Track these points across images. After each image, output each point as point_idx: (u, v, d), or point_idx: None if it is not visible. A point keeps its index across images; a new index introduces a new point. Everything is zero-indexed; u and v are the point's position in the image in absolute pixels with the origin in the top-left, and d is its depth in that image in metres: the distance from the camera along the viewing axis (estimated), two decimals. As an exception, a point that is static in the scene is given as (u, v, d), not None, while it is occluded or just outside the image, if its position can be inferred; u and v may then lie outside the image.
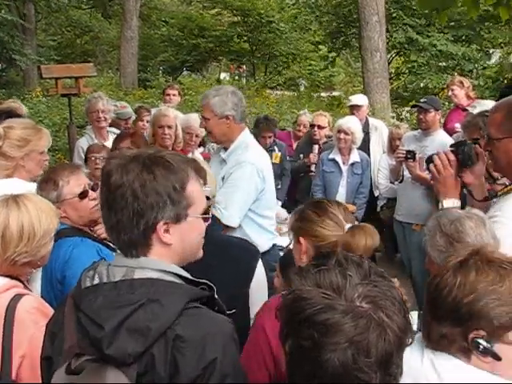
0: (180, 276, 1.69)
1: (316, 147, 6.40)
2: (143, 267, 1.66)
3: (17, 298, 2.10)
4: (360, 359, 1.19)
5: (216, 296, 1.72)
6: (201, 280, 1.71)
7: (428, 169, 2.80)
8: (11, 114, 4.49)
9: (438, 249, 2.24)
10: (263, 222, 3.81)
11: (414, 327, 2.17)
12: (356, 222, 5.64)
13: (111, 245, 2.94)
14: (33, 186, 3.14)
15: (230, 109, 3.75)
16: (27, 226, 2.19)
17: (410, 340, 1.30)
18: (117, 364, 1.52)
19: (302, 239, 2.29)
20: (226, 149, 3.89)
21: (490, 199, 2.66)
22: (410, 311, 2.43)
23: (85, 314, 1.58)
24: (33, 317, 2.09)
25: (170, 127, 5.16)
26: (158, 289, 1.60)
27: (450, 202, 2.62)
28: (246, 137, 3.89)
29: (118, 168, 1.64)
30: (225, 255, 2.71)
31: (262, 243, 3.62)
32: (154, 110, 6.98)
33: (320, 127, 6.51)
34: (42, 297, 2.90)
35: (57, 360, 1.64)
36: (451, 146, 2.80)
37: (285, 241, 3.85)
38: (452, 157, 2.68)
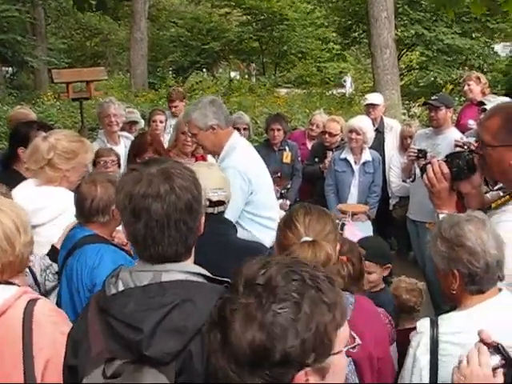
0: (203, 276, 1.75)
1: (330, 154, 6.33)
2: (169, 270, 1.70)
3: (31, 303, 2.09)
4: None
5: None
6: (223, 279, 1.75)
7: (422, 177, 2.71)
8: (40, 124, 4.50)
9: (440, 254, 2.24)
10: (263, 221, 3.83)
11: (427, 333, 2.18)
12: (368, 221, 5.68)
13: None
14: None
15: (211, 119, 3.79)
16: (17, 219, 2.20)
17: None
18: (154, 364, 1.56)
19: (275, 244, 2.39)
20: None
21: (484, 211, 2.55)
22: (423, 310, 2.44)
23: (116, 319, 1.61)
24: (52, 319, 2.09)
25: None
26: (188, 289, 1.65)
27: (446, 215, 2.54)
28: (233, 140, 3.90)
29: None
30: (241, 262, 2.72)
31: (266, 240, 3.64)
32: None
33: (331, 135, 6.35)
34: (59, 307, 2.94)
35: (82, 368, 1.66)
36: (446, 156, 2.71)
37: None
38: (445, 169, 2.60)
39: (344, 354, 1.40)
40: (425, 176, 2.66)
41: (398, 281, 3.95)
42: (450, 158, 2.65)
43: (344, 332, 1.37)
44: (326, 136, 6.38)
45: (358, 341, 1.51)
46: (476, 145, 2.64)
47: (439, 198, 2.63)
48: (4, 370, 2.00)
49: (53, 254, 3.22)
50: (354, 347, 1.49)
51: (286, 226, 2.30)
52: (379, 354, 2.32)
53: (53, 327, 2.07)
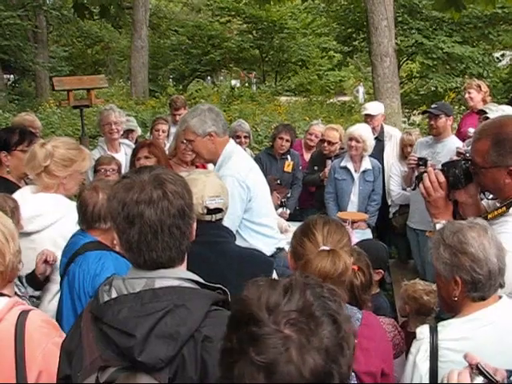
0: (196, 282, 1.76)
1: (329, 162, 6.31)
2: (162, 277, 1.72)
3: (23, 314, 2.09)
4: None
5: (230, 299, 1.79)
6: (215, 285, 1.79)
7: (418, 187, 2.69)
8: (24, 128, 4.52)
9: (443, 261, 2.23)
10: (261, 229, 3.83)
11: (427, 340, 2.19)
12: (368, 230, 5.68)
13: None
14: (74, 204, 3.20)
15: (210, 125, 3.78)
16: (4, 228, 2.20)
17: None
18: (148, 370, 1.57)
19: (288, 253, 2.39)
20: (215, 165, 3.94)
21: None
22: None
23: (110, 326, 1.62)
24: (44, 330, 2.09)
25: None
26: (182, 295, 1.66)
27: (442, 224, 2.53)
28: (230, 148, 3.90)
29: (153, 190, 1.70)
30: (242, 269, 2.76)
31: (264, 249, 3.65)
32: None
33: (330, 143, 6.35)
34: (60, 313, 2.94)
35: (76, 377, 1.67)
36: (443, 165, 2.70)
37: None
38: (442, 178, 2.59)
39: None
40: (421, 185, 2.65)
41: (413, 284, 3.93)
42: (447, 167, 2.64)
43: None
44: (325, 144, 6.38)
45: None
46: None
47: (436, 207, 2.62)
48: None
49: (31, 279, 3.18)
50: None
51: (304, 234, 2.30)
52: (384, 370, 2.32)
53: (45, 339, 2.06)
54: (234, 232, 3.54)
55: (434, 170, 2.66)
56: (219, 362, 1.31)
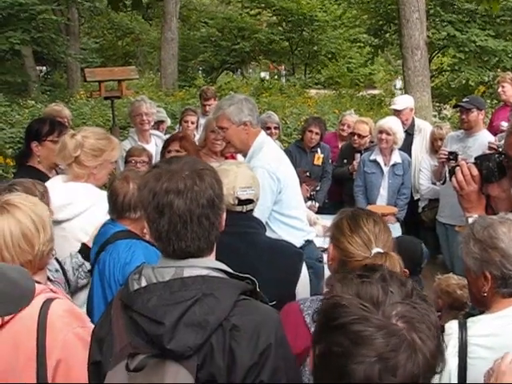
0: (225, 272, 1.78)
1: (358, 156, 6.28)
2: (192, 266, 1.74)
3: (47, 302, 2.11)
4: (385, 376, 1.20)
5: (258, 289, 1.80)
6: (244, 275, 1.80)
7: (451, 180, 2.66)
8: (52, 119, 4.59)
9: (472, 256, 2.21)
10: (290, 221, 3.81)
11: (455, 336, 2.17)
12: (397, 224, 5.63)
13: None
14: (104, 194, 3.26)
15: (246, 115, 3.76)
16: (36, 217, 2.23)
17: (440, 368, 1.28)
18: (176, 358, 1.59)
19: (331, 246, 2.30)
20: (244, 156, 3.93)
21: None
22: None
23: (140, 313, 1.65)
24: (65, 320, 2.10)
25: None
26: (210, 284, 1.68)
27: (474, 218, 2.50)
28: (261, 140, 3.88)
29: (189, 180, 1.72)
30: (272, 260, 2.77)
31: (293, 241, 3.64)
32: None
33: (360, 136, 6.32)
34: (91, 302, 2.99)
35: (106, 363, 1.70)
36: (476, 158, 2.66)
37: (320, 242, 3.87)
38: (475, 172, 2.56)
39: None
40: (453, 179, 2.62)
41: (446, 278, 3.91)
42: (480, 160, 2.61)
43: None
44: (355, 138, 6.35)
45: None
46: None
47: (468, 200, 2.60)
48: (18, 364, 2.03)
49: (84, 251, 3.28)
50: None
51: (353, 231, 2.23)
52: None
53: (66, 328, 2.08)
54: (263, 221, 3.55)
55: (467, 163, 2.62)
56: (318, 367, 1.30)
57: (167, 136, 5.72)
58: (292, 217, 3.84)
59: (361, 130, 6.33)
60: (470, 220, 2.51)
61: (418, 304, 1.26)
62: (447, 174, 5.38)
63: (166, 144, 4.78)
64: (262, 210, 3.50)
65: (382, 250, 2.16)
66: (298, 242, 3.76)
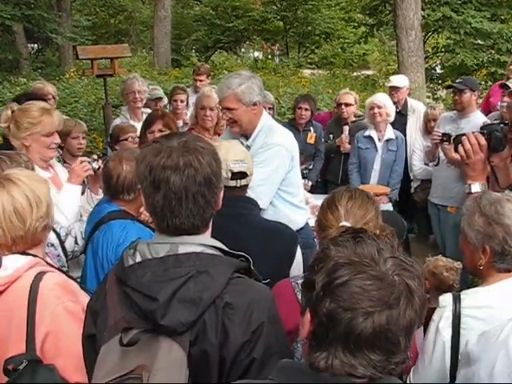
0: (219, 249, 1.79)
1: (346, 128, 6.39)
2: (186, 243, 1.74)
3: (39, 275, 2.14)
4: (392, 323, 1.28)
5: (252, 267, 1.82)
6: (238, 252, 1.81)
7: (456, 149, 2.68)
8: (31, 96, 4.63)
9: (475, 228, 2.25)
10: (293, 200, 3.75)
11: (449, 307, 2.21)
12: (389, 204, 5.66)
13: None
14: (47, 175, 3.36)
15: (257, 94, 3.55)
16: (31, 194, 2.24)
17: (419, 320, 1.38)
18: (169, 333, 1.61)
19: (315, 221, 2.43)
20: (245, 136, 3.70)
21: (510, 189, 2.57)
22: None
23: (133, 289, 1.66)
24: (55, 292, 2.13)
25: (211, 109, 5.06)
26: (205, 261, 1.70)
27: (478, 186, 2.58)
28: (267, 119, 3.73)
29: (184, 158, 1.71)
30: (265, 241, 2.77)
31: (298, 219, 3.63)
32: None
33: (347, 105, 6.50)
34: (84, 281, 2.99)
35: (100, 337, 1.71)
36: (482, 128, 2.70)
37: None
38: (483, 141, 2.59)
39: None
40: (460, 147, 2.64)
41: (435, 260, 3.94)
42: (487, 130, 2.63)
43: None
44: (343, 107, 6.51)
45: None
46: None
47: (474, 169, 2.63)
48: (11, 335, 2.07)
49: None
50: None
51: (328, 207, 2.33)
52: None
53: (55, 301, 2.11)
54: (270, 199, 3.52)
55: (473, 133, 2.65)
56: (325, 326, 1.33)
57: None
58: (296, 195, 3.80)
59: (347, 99, 6.55)
60: (473, 187, 2.57)
61: (404, 257, 1.37)
62: (441, 155, 5.42)
63: (147, 125, 4.52)
64: (271, 186, 3.48)
65: (349, 224, 2.19)
66: (301, 219, 3.76)
